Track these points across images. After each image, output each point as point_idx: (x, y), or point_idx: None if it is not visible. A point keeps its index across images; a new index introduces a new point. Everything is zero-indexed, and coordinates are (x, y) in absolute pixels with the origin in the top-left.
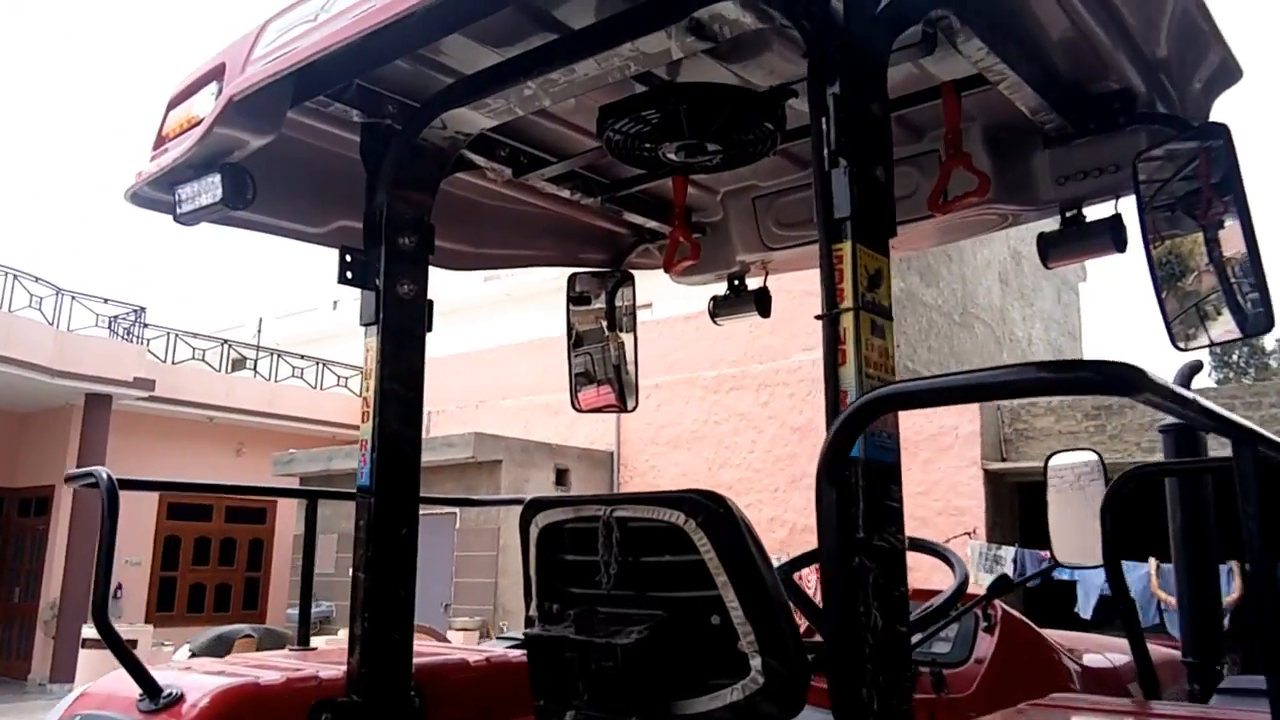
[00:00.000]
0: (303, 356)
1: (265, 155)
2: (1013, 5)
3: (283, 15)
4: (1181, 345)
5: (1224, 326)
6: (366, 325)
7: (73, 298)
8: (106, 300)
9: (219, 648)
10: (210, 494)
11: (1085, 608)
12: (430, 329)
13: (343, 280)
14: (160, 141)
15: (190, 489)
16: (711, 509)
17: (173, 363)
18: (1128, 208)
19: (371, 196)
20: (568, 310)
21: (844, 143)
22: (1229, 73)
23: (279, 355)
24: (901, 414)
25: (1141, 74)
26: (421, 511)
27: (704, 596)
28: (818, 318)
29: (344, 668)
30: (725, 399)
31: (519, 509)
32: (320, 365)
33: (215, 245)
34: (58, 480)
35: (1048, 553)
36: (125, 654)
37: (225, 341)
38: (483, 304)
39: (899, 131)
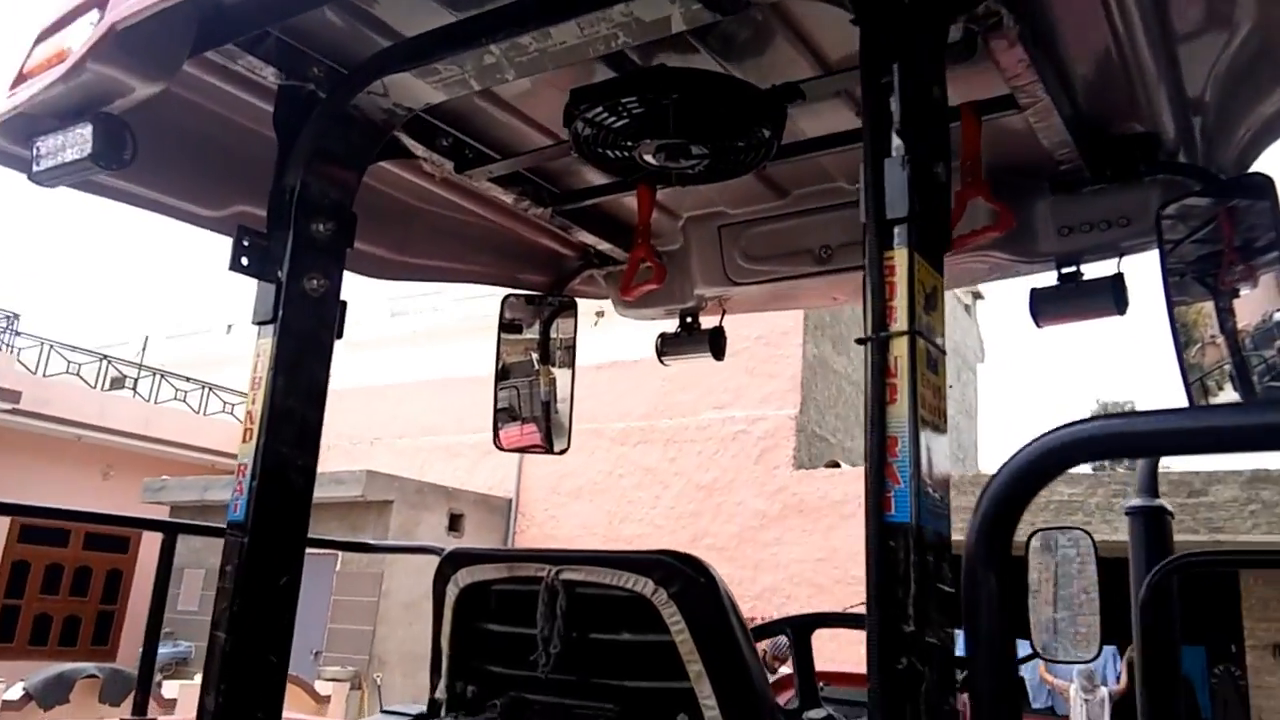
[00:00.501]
0: (187, 379)
1: (153, 113)
2: (1063, 14)
3: None
4: None
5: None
6: (260, 324)
7: None
8: None
9: (58, 689)
10: (59, 520)
11: None
12: (340, 335)
13: (236, 266)
14: (20, 80)
15: (25, 513)
16: (689, 578)
17: (44, 375)
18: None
19: (282, 172)
20: (498, 337)
21: (904, 129)
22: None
23: (162, 376)
24: (805, 477)
25: (1175, 116)
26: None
27: (671, 689)
28: (860, 341)
29: None
30: (631, 452)
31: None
32: (206, 389)
33: (104, 255)
34: None
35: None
36: None
37: (105, 357)
38: (385, 339)
39: None
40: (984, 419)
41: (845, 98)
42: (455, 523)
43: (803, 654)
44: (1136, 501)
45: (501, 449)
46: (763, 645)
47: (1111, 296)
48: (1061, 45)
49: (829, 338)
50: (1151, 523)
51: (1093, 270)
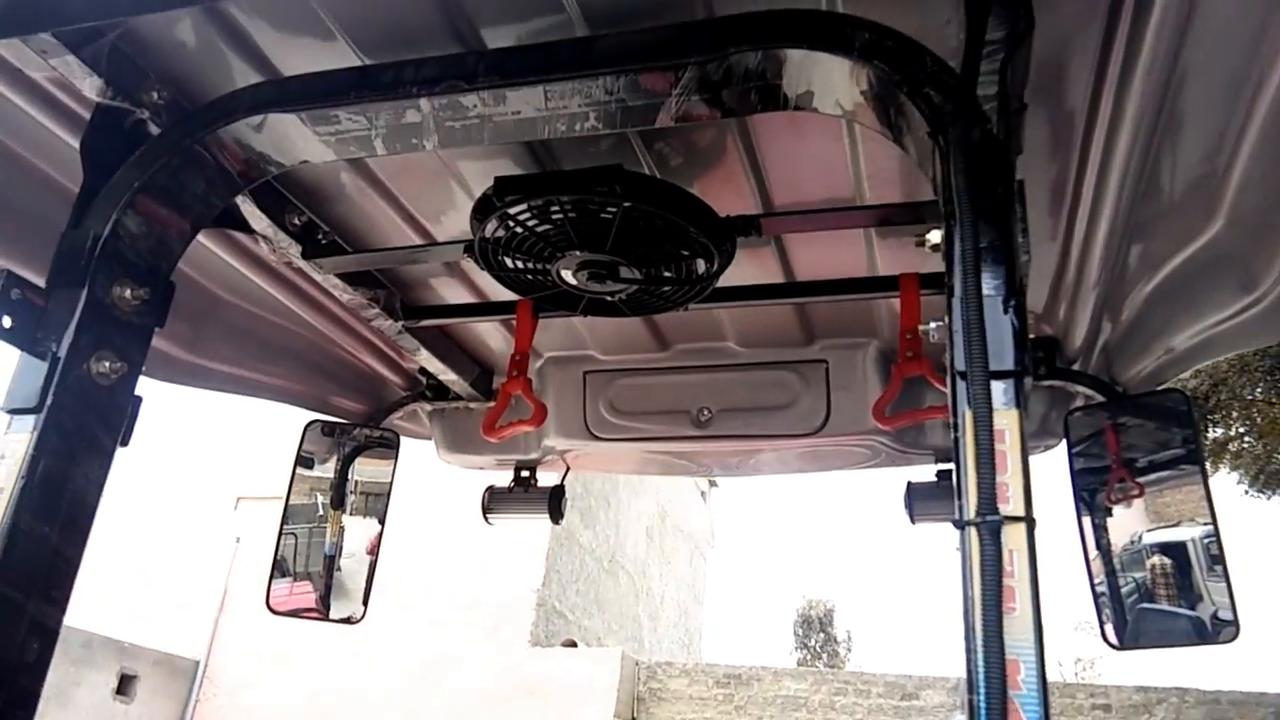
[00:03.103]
0: None
1: None
2: (1037, 206)
3: None
4: (1116, 644)
5: (1178, 629)
6: (14, 412)
7: None
8: None
9: None
10: None
11: None
12: (127, 442)
13: None
14: None
15: None
16: None
17: None
18: None
19: (83, 213)
20: (291, 471)
21: (1011, 267)
22: (1204, 350)
23: None
24: (540, 656)
25: (1088, 322)
26: None
27: None
28: (958, 525)
29: None
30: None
31: None
32: None
33: None
34: None
35: None
36: None
37: None
38: None
39: (789, 326)
40: (710, 599)
41: (772, 247)
42: (125, 685)
43: None
44: None
45: (272, 611)
46: None
47: None
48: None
49: (578, 510)
50: None
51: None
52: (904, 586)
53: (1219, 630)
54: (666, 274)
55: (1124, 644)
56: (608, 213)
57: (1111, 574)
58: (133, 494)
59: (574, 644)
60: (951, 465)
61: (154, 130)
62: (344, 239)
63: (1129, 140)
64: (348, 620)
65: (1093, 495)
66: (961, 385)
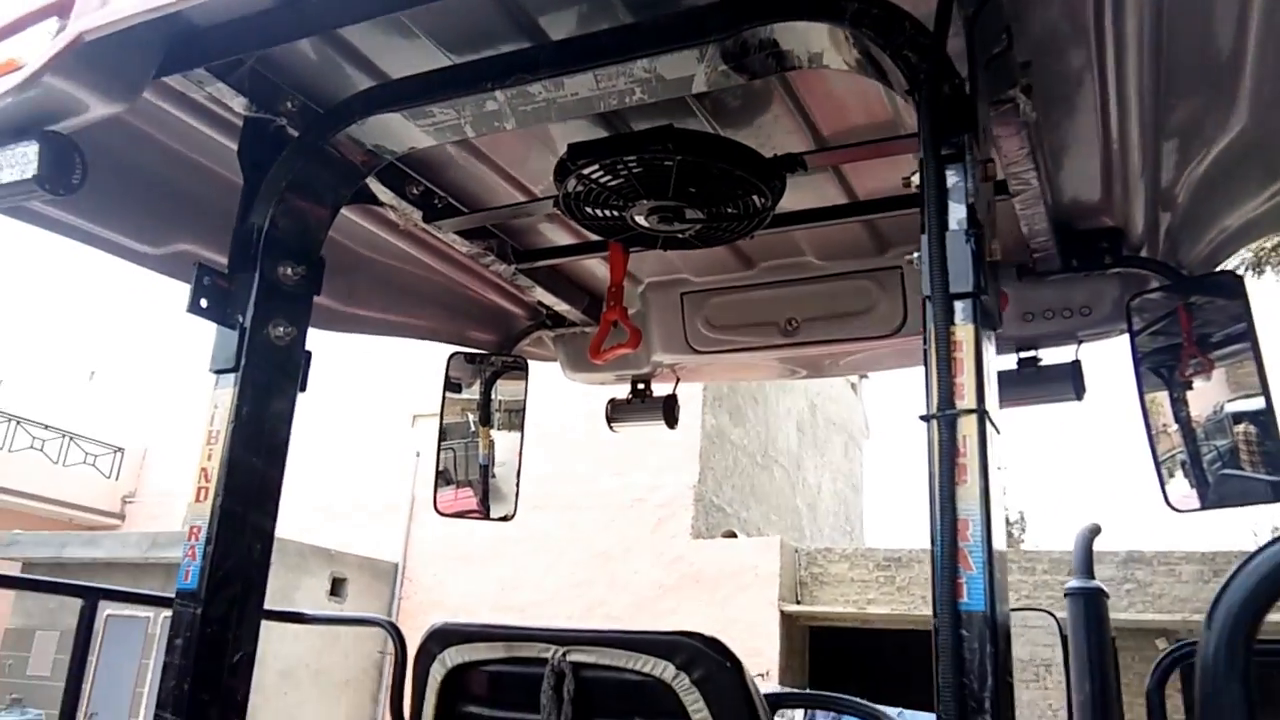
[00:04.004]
0: (46, 427)
1: (99, 136)
2: (1067, 103)
3: None
4: (1178, 507)
5: (1237, 490)
6: (219, 372)
7: None
8: None
9: None
10: None
11: None
12: (305, 388)
13: (195, 309)
14: None
15: None
16: (715, 662)
17: None
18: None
19: (248, 211)
20: (441, 396)
21: (970, 204)
22: (1251, 231)
23: (17, 422)
24: (702, 547)
25: (1146, 213)
26: (108, 611)
27: None
28: (924, 419)
29: None
30: (527, 517)
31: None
32: (66, 439)
33: None
34: None
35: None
36: None
37: None
38: None
39: (861, 239)
40: (868, 490)
41: (831, 173)
42: (337, 587)
43: None
44: (1074, 583)
45: (439, 513)
46: None
47: (1070, 382)
48: (1059, 135)
49: (726, 409)
50: (1090, 603)
51: (1050, 356)
52: (1075, 460)
53: None
54: (729, 210)
55: (1206, 505)
56: (665, 166)
57: (1192, 442)
58: (327, 421)
59: (734, 534)
60: (1032, 352)
61: (292, 133)
62: (457, 200)
63: (1135, 39)
64: (504, 518)
65: (1161, 373)
66: (929, 305)
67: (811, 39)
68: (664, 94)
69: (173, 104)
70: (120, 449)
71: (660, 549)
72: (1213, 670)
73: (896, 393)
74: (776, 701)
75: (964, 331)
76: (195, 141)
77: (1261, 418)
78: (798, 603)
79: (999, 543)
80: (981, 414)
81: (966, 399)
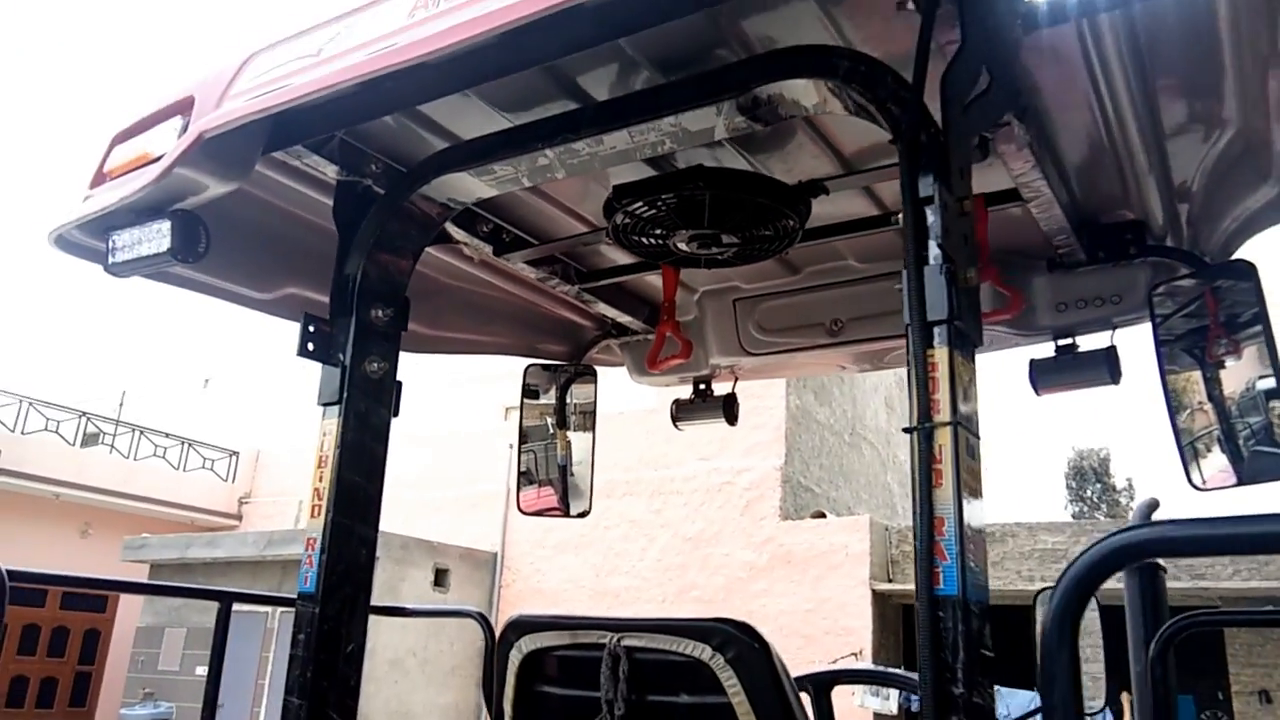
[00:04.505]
0: (167, 435)
1: (216, 206)
2: (1063, 118)
3: (271, 50)
4: (1201, 486)
5: (1272, 465)
6: (326, 405)
7: None
8: None
9: None
10: (97, 589)
11: None
12: (397, 414)
13: (304, 353)
14: (99, 179)
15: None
16: (744, 643)
17: (22, 433)
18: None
19: (343, 263)
20: (520, 404)
21: (942, 240)
22: (1269, 215)
23: (141, 432)
24: (792, 528)
25: (1163, 205)
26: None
27: None
28: (907, 430)
29: None
30: (617, 504)
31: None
32: (185, 445)
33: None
34: None
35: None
36: None
37: (83, 414)
38: None
39: (896, 242)
40: None
41: (859, 189)
42: (440, 578)
43: (824, 711)
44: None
45: (522, 512)
46: None
47: (1106, 367)
48: (1062, 145)
49: (811, 389)
50: (1147, 578)
51: (1087, 342)
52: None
53: None
54: (763, 232)
55: (1242, 480)
56: (698, 200)
57: (1225, 421)
58: (427, 417)
59: (823, 515)
60: (1069, 340)
61: (378, 190)
62: (523, 233)
63: (1117, 57)
64: (582, 514)
65: (1191, 355)
66: (909, 331)
67: (813, 92)
68: (689, 144)
69: (276, 171)
70: (235, 453)
71: (750, 531)
72: (1050, 642)
73: (986, 365)
74: (831, 679)
75: (940, 354)
76: (296, 200)
77: None
78: (890, 581)
79: (979, 539)
80: (955, 425)
81: (942, 413)
